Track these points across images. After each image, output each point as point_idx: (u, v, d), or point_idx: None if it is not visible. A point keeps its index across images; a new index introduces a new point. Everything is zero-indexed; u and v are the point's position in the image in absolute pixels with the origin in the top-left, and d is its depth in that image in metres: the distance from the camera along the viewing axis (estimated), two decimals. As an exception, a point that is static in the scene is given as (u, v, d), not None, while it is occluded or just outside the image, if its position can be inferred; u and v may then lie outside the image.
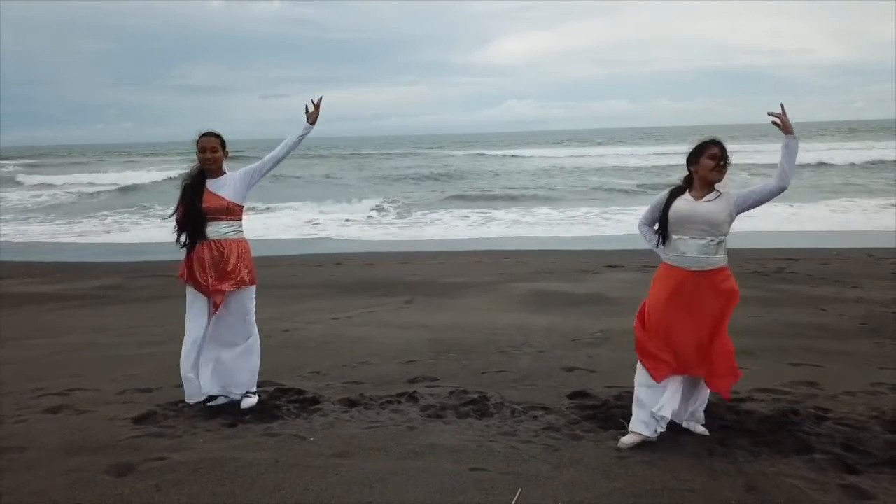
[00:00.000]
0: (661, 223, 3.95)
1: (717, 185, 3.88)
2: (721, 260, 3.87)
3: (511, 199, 24.63)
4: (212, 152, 4.49)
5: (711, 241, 3.84)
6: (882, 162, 33.77)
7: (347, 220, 19.84)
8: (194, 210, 4.47)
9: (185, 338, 4.59)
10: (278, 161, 4.68)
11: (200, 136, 4.50)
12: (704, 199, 3.87)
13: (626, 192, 26.86)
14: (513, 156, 50.47)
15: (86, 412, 4.59)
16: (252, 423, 4.30)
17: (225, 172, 4.61)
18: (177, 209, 4.57)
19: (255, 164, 4.65)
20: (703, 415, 4.09)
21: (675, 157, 43.59)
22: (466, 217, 20.05)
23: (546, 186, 30.09)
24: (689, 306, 3.84)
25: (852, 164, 34.67)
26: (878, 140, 55.91)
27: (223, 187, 4.53)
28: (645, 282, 9.46)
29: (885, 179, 27.94)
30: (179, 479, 3.53)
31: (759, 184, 3.92)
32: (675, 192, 3.94)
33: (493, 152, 56.30)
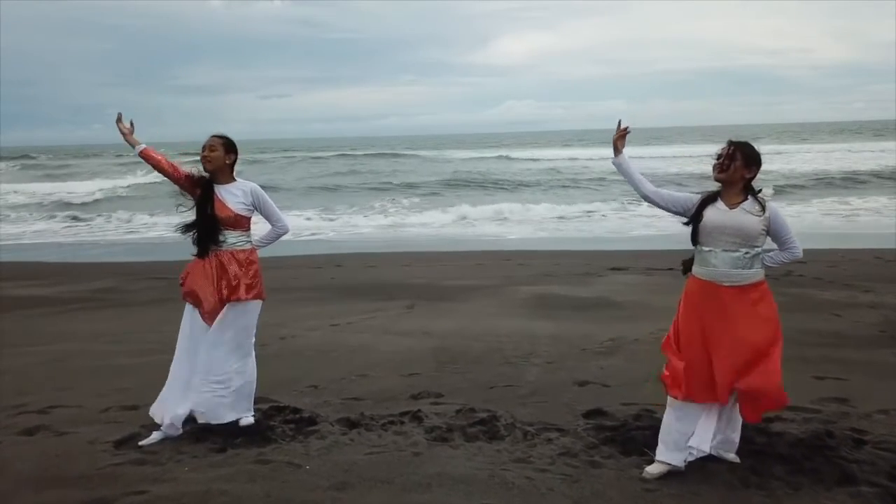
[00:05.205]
0: (692, 232, 3.63)
1: (762, 194, 3.57)
2: (756, 274, 3.54)
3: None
4: (209, 150, 4.24)
5: (746, 253, 3.51)
6: (884, 165, 33.45)
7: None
8: (205, 217, 4.23)
9: (176, 375, 4.25)
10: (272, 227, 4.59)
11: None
12: (738, 207, 3.54)
13: (629, 192, 26.56)
14: (538, 158, 49.27)
15: (65, 434, 4.28)
16: (243, 448, 3.97)
17: (235, 180, 4.36)
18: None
19: (269, 205, 4.43)
20: (737, 441, 3.76)
21: (676, 159, 43.35)
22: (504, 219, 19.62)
23: (547, 186, 29.83)
24: (721, 325, 3.51)
25: (852, 164, 34.40)
26: (879, 141, 55.72)
27: (230, 197, 4.28)
28: (650, 284, 9.32)
29: (886, 179, 27.74)
30: (159, 516, 3.21)
31: (792, 238, 3.64)
32: (708, 200, 3.61)
33: (516, 154, 54.96)
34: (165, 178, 4.31)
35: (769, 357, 3.52)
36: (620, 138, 3.82)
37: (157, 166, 4.26)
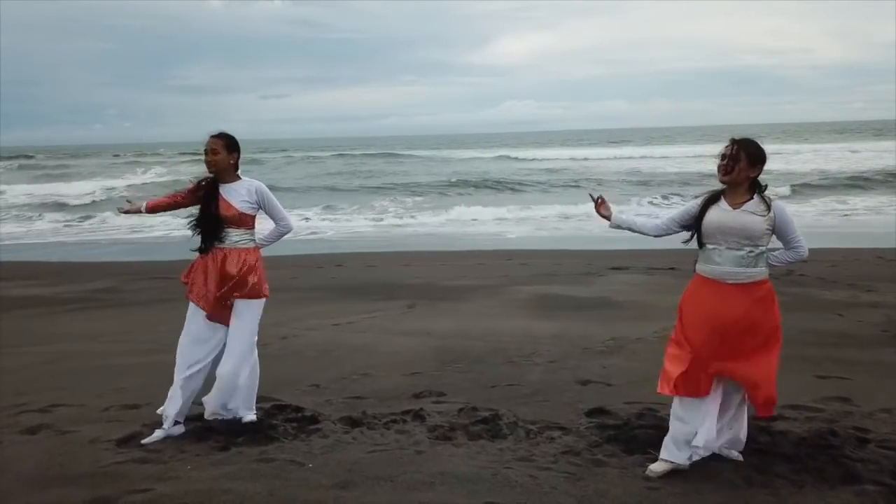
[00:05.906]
0: (696, 233, 3.62)
1: (769, 192, 3.55)
2: (760, 273, 3.52)
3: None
4: (212, 154, 4.26)
5: (749, 252, 3.49)
6: (884, 164, 33.43)
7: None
8: (209, 216, 4.25)
9: (181, 361, 4.25)
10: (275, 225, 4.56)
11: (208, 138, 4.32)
12: (742, 207, 3.52)
13: (630, 192, 26.57)
14: (538, 158, 48.99)
15: (66, 433, 4.26)
16: (245, 447, 3.96)
17: (239, 178, 4.36)
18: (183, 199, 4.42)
19: (274, 204, 4.41)
20: (743, 441, 3.74)
21: (677, 159, 43.33)
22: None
23: (548, 186, 29.78)
24: (725, 321, 3.49)
25: (853, 164, 34.38)
26: (879, 140, 55.70)
27: (235, 195, 4.29)
28: (651, 284, 9.31)
29: (886, 178, 27.71)
30: (162, 515, 3.20)
31: (797, 238, 3.59)
32: (710, 200, 3.60)
33: (517, 154, 54.50)
34: (177, 203, 4.44)
35: (766, 358, 3.51)
36: (601, 207, 3.91)
37: (166, 207, 4.47)
